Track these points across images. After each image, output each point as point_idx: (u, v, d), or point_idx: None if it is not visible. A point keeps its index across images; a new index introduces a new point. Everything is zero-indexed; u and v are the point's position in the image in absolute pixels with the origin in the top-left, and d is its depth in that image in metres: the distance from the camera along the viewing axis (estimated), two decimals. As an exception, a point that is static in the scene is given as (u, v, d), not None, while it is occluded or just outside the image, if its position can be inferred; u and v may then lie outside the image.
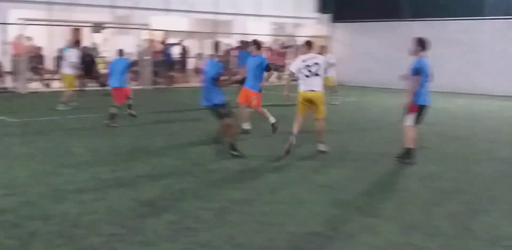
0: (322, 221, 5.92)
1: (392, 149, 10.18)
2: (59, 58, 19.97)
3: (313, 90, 9.30)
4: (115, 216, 5.88)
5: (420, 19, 24.35)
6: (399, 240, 5.43)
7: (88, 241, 5.15)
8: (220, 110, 8.90)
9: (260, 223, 5.77)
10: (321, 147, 9.53)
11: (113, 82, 12.42)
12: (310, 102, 9.40)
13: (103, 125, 11.89)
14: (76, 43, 16.61)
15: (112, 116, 11.95)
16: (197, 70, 23.92)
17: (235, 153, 8.97)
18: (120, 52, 13.00)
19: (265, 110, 11.16)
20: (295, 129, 9.36)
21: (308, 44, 9.66)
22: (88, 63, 18.40)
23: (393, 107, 16.90)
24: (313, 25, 28.54)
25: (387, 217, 6.13)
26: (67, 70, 15.01)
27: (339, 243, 5.33)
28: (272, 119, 11.00)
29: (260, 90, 11.07)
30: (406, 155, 8.77)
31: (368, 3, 25.80)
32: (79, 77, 16.69)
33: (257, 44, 11.25)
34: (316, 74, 9.24)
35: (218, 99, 8.85)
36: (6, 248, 4.96)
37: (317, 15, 28.45)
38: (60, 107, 14.44)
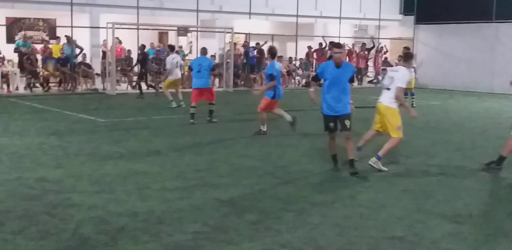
0: (404, 226, 5.84)
1: (477, 154, 9.91)
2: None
3: (380, 102, 8.58)
4: (199, 215, 6.04)
5: (507, 20, 23.49)
6: (485, 247, 5.29)
7: (173, 238, 5.32)
8: (345, 122, 7.94)
9: (340, 226, 5.77)
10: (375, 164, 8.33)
11: (199, 83, 12.65)
12: (379, 114, 8.61)
13: (189, 124, 12.44)
14: (170, 47, 17.22)
15: (193, 116, 12.64)
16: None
17: (353, 170, 7.98)
18: (203, 51, 13.23)
19: (264, 117, 11.33)
20: (361, 141, 8.86)
21: (405, 56, 9.21)
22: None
23: (480, 112, 16.42)
24: (396, 27, 28.10)
25: (473, 223, 5.98)
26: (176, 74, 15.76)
27: (421, 248, 5.24)
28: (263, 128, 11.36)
29: (271, 97, 11.03)
30: (498, 162, 8.46)
31: (452, 5, 25.15)
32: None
33: (272, 52, 11.58)
34: (387, 88, 8.44)
35: (347, 108, 8.00)
36: (95, 243, 5.19)
37: (400, 17, 27.99)
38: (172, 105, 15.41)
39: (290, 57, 24.69)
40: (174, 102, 15.50)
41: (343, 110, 7.95)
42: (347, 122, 7.95)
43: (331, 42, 11.21)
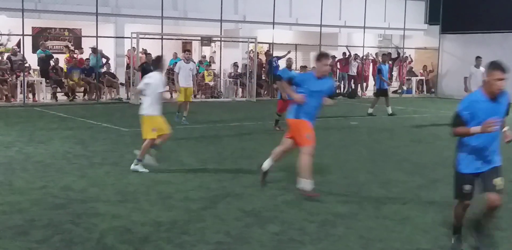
0: (430, 238, 5.76)
1: (504, 166, 9.72)
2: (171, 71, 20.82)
3: None
4: (221, 225, 6.02)
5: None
6: (513, 262, 5.17)
7: (196, 249, 5.30)
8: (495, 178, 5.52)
9: (364, 238, 5.70)
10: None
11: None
12: None
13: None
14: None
15: (277, 122, 13.37)
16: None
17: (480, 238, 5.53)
18: (289, 63, 13.65)
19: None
20: None
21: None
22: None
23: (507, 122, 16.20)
24: (421, 36, 27.91)
25: (500, 237, 5.87)
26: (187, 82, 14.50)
27: (447, 262, 5.15)
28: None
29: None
30: None
31: (479, 14, 24.93)
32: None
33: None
34: None
35: (499, 159, 5.75)
36: (120, 252, 5.21)
37: (425, 26, 27.81)
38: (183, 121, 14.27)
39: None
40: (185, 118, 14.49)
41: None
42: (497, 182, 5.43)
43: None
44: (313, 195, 7.19)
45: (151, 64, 15.98)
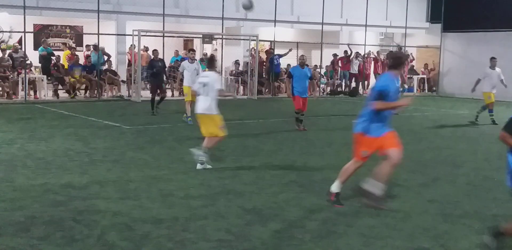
0: (431, 236, 5.75)
1: (505, 165, 9.74)
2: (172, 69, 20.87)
3: None
4: (222, 223, 6.02)
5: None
6: (514, 260, 5.17)
7: (197, 246, 5.30)
8: None
9: (365, 236, 5.70)
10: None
11: (301, 92, 12.84)
12: None
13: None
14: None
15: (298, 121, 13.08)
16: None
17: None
18: (302, 61, 13.13)
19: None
20: None
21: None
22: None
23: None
24: (422, 35, 27.90)
25: (501, 235, 5.85)
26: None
27: (448, 260, 5.15)
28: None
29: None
30: None
31: (480, 13, 24.91)
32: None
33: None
34: None
35: None
36: (120, 249, 5.20)
37: (427, 24, 27.79)
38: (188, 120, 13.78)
39: (316, 65, 24.65)
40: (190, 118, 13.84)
41: None
42: None
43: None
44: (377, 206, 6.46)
45: (158, 60, 15.78)
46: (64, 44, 22.42)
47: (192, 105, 13.77)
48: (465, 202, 7.16)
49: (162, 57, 17.42)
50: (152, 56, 16.30)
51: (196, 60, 14.61)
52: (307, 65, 13.45)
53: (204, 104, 8.79)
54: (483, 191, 7.83)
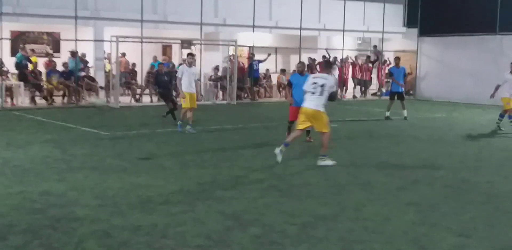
0: (410, 239, 5.79)
1: (482, 167, 9.88)
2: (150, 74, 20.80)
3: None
4: (202, 228, 6.00)
5: (511, 32, 23.51)
6: (491, 261, 5.23)
7: (176, 252, 5.28)
8: None
9: (345, 240, 5.72)
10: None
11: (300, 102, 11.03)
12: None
13: (193, 137, 12.37)
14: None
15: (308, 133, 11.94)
16: (280, 86, 24.18)
17: None
18: (301, 68, 12.14)
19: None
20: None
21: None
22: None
23: (484, 124, 16.38)
24: (399, 39, 28.15)
25: (479, 237, 5.92)
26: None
27: (427, 262, 5.19)
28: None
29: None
30: None
31: (456, 17, 25.22)
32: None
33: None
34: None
35: None
36: (99, 256, 5.17)
37: (403, 29, 28.05)
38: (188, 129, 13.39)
39: (294, 70, 24.69)
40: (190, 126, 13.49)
41: None
42: None
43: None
44: None
45: (163, 74, 15.48)
46: (32, 50, 22.10)
47: (190, 113, 13.32)
48: (443, 204, 7.22)
49: (165, 69, 16.83)
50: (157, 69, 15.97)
51: (195, 65, 14.08)
52: (308, 72, 12.94)
53: (318, 102, 9.57)
54: (461, 193, 7.90)
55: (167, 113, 15.40)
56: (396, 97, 17.08)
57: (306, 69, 12.45)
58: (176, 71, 20.91)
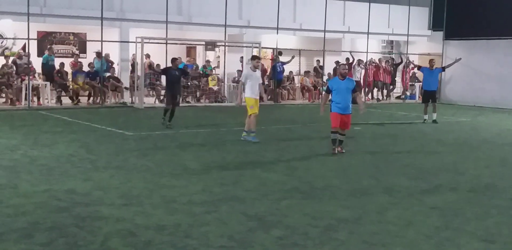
0: (433, 244, 5.76)
1: (507, 172, 9.78)
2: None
3: None
4: (225, 229, 6.04)
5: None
6: (515, 267, 5.18)
7: (199, 252, 5.32)
8: None
9: (367, 243, 5.71)
10: None
11: (342, 108, 10.88)
12: None
13: (217, 138, 12.45)
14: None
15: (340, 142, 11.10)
16: (304, 88, 24.17)
17: None
18: (342, 71, 11.13)
19: None
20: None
21: None
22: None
23: (510, 129, 16.19)
24: (424, 42, 27.96)
25: (503, 242, 5.87)
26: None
27: (450, 267, 5.16)
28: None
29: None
30: None
31: (482, 20, 24.96)
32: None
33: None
34: None
35: None
36: (123, 255, 5.23)
37: (429, 32, 27.85)
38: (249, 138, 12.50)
39: (329, 73, 24.72)
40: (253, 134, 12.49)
41: None
42: None
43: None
44: None
45: (176, 69, 14.17)
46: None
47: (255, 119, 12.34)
48: (467, 209, 7.17)
49: (175, 65, 14.87)
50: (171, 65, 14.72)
51: (259, 69, 12.75)
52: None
53: None
54: (485, 198, 7.83)
55: (165, 114, 14.41)
56: (429, 100, 16.98)
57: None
58: (200, 73, 21.32)
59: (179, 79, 14.91)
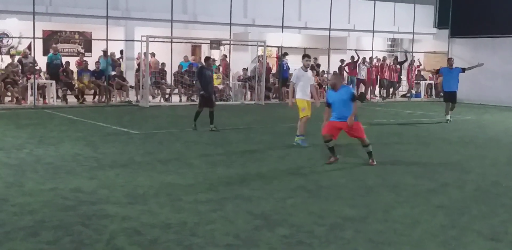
0: (439, 242, 5.75)
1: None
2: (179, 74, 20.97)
3: None
4: (230, 227, 6.04)
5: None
6: (523, 266, 5.16)
7: (205, 251, 5.32)
8: None
9: (373, 242, 5.70)
10: None
11: (337, 117, 9.83)
12: None
13: (220, 138, 12.34)
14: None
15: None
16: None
17: None
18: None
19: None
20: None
21: None
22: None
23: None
24: (430, 40, 27.88)
25: (509, 241, 5.84)
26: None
27: (456, 266, 5.14)
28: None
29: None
30: None
31: (488, 18, 24.85)
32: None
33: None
34: None
35: None
36: (129, 253, 5.23)
37: (434, 30, 27.78)
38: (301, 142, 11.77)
39: (323, 71, 24.68)
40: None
41: None
42: None
43: None
44: None
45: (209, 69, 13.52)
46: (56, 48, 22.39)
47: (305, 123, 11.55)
48: (473, 207, 7.15)
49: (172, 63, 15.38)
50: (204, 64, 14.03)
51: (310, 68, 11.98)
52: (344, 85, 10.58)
53: None
54: (492, 196, 7.80)
55: (196, 119, 13.68)
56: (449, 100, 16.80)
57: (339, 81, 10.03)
58: (192, 71, 20.97)
59: (212, 79, 14.25)
